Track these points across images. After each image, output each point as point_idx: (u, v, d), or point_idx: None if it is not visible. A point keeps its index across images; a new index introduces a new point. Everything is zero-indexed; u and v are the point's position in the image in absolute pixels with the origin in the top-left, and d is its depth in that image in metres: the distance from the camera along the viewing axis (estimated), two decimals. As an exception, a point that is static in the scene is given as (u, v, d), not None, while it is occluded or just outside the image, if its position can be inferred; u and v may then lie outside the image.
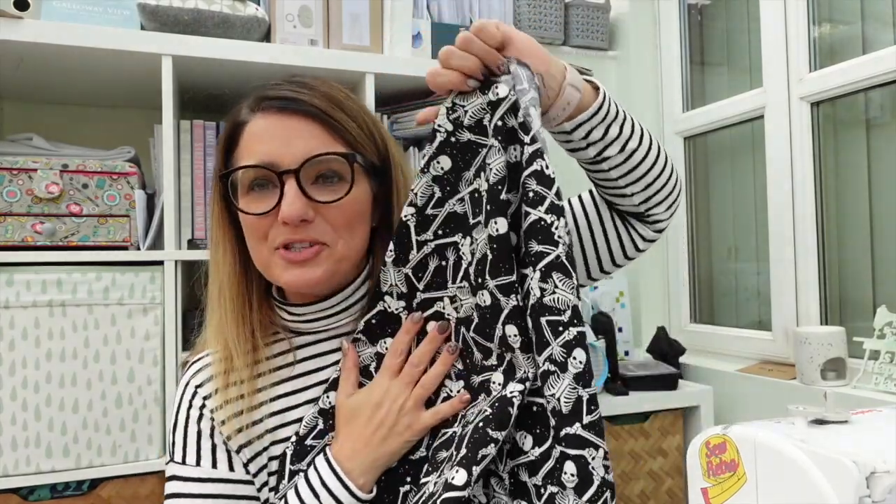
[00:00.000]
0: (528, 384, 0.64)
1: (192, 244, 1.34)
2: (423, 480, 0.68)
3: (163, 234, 1.28)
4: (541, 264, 0.61)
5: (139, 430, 1.24)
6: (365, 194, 0.75)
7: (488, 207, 0.64)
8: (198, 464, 0.73)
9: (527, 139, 0.62)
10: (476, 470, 0.62)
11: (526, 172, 0.62)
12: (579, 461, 0.59)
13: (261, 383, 0.75)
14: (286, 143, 0.70)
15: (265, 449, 0.74)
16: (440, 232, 0.70)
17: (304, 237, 0.70)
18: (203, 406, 0.75)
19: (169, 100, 1.28)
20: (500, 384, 0.67)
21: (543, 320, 0.61)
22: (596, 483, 0.59)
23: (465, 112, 0.67)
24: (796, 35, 1.68)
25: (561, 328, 0.60)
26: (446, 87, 0.68)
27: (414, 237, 0.71)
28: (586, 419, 0.59)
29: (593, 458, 0.59)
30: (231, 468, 0.73)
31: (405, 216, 0.71)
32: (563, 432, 0.60)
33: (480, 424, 0.64)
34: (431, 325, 0.73)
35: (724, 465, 0.55)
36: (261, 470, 0.74)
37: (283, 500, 0.71)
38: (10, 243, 1.21)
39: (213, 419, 0.74)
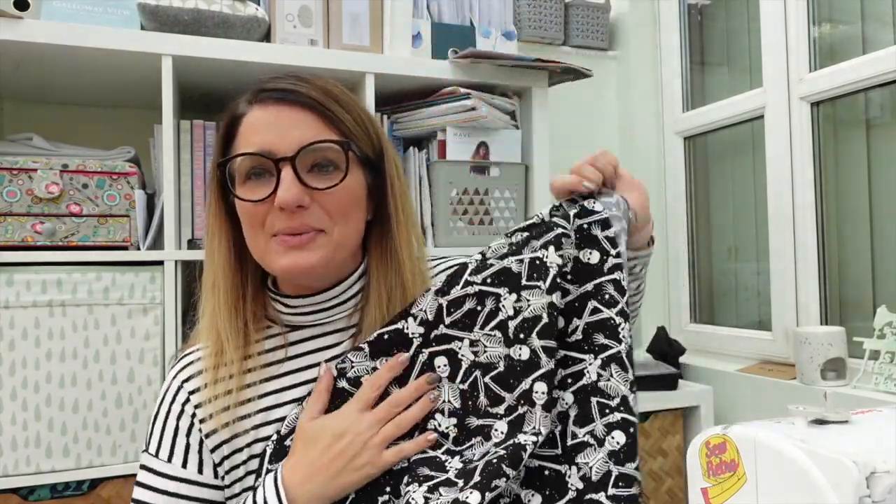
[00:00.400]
0: (539, 438, 0.68)
1: (192, 244, 1.34)
2: (403, 490, 0.69)
3: (163, 234, 1.28)
4: (603, 354, 0.71)
5: (139, 430, 1.24)
6: (359, 183, 0.76)
7: (558, 280, 0.72)
8: (169, 460, 0.74)
9: (613, 252, 0.74)
10: (488, 496, 0.64)
11: (606, 278, 0.73)
12: None
13: (250, 379, 0.75)
14: (282, 132, 0.71)
15: (248, 445, 0.74)
16: (489, 280, 0.75)
17: (300, 223, 0.71)
18: (186, 401, 0.76)
19: (169, 100, 1.28)
20: (502, 432, 0.70)
21: (594, 400, 0.70)
22: None
23: (562, 209, 0.76)
24: (796, 35, 1.68)
25: (608, 410, 0.69)
26: (566, 187, 0.76)
27: (466, 276, 0.75)
28: (611, 491, 0.67)
29: None
30: (200, 471, 0.74)
31: (471, 260, 0.77)
32: (587, 496, 0.67)
33: (494, 461, 0.67)
34: (439, 361, 0.75)
35: (724, 465, 0.55)
36: (237, 467, 0.74)
37: None
38: (10, 243, 1.21)
39: (193, 415, 0.75)
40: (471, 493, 0.65)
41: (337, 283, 0.77)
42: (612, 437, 0.68)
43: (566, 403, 0.70)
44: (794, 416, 0.57)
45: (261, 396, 0.75)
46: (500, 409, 0.71)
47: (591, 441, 0.69)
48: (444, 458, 0.71)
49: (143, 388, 1.24)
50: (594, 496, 0.67)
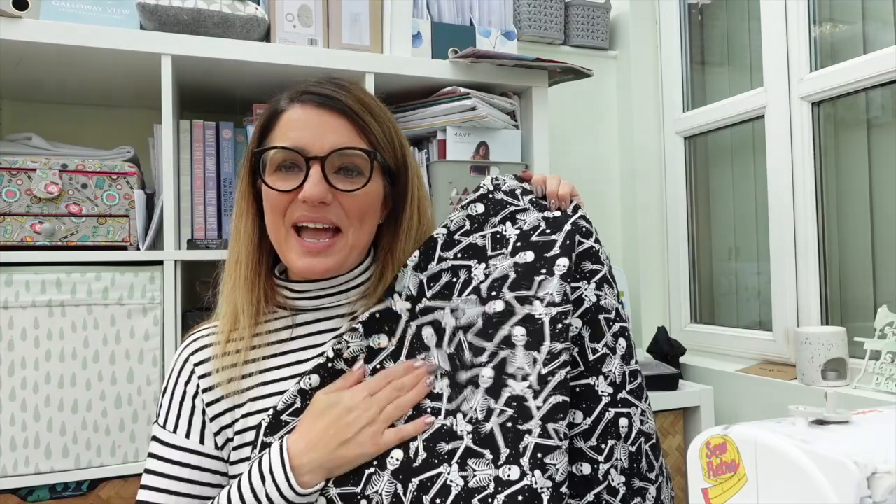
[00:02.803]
0: (530, 379, 0.74)
1: (192, 244, 1.34)
2: (431, 473, 0.72)
3: (162, 233, 1.27)
4: (595, 278, 0.82)
5: (138, 430, 1.24)
6: (378, 191, 0.83)
7: (518, 244, 0.83)
8: (174, 431, 0.79)
9: (571, 205, 0.87)
10: (524, 461, 0.70)
11: (574, 217, 0.84)
12: (629, 417, 0.79)
13: (254, 354, 0.81)
14: (318, 133, 0.78)
15: (244, 416, 0.79)
16: (459, 255, 0.84)
17: (319, 217, 0.78)
18: (192, 373, 0.81)
19: (168, 99, 1.28)
20: (489, 377, 0.76)
21: (601, 317, 0.81)
22: (634, 433, 0.79)
23: (505, 182, 0.89)
24: (797, 35, 1.67)
25: (611, 323, 0.81)
26: (564, 197, 0.87)
27: (438, 252, 0.84)
28: (629, 387, 0.81)
29: (634, 415, 0.80)
30: (201, 441, 0.79)
31: (437, 234, 0.84)
32: (619, 396, 0.79)
33: (509, 424, 0.72)
34: (426, 332, 0.81)
35: (724, 465, 0.55)
36: (234, 436, 0.79)
37: (241, 475, 0.75)
38: (9, 243, 1.21)
39: (197, 386, 0.80)
40: (509, 468, 0.70)
41: (342, 273, 0.83)
42: (619, 344, 0.81)
43: (576, 328, 0.79)
44: (795, 417, 0.56)
45: (262, 371, 0.81)
46: (484, 358, 0.78)
47: (607, 351, 0.80)
48: (448, 422, 0.75)
49: (142, 389, 1.24)
50: (621, 395, 0.80)
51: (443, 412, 0.76)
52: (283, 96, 0.83)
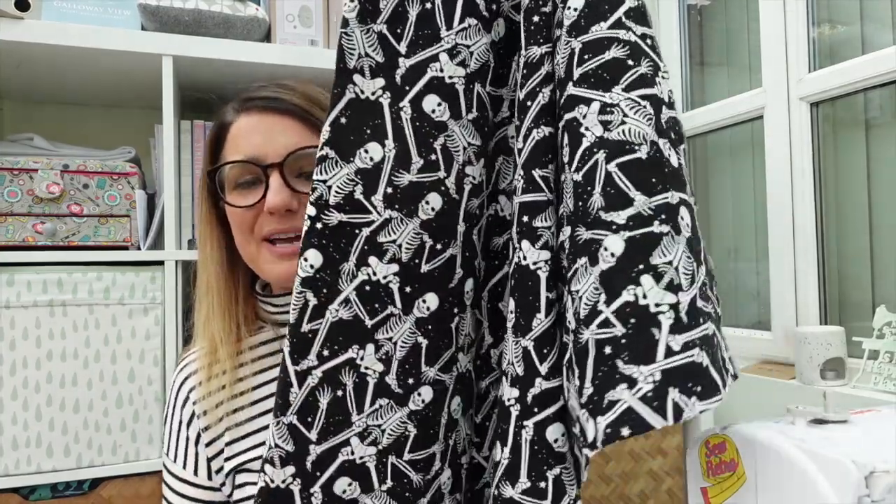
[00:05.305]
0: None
1: (193, 244, 1.34)
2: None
3: (163, 234, 1.28)
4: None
5: (140, 429, 1.24)
6: None
7: None
8: (184, 467, 0.77)
9: None
10: (513, 233, 0.55)
11: None
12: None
13: (242, 373, 0.77)
14: (269, 138, 0.73)
15: (247, 436, 0.75)
16: None
17: (288, 227, 0.73)
18: (187, 399, 0.78)
19: (169, 100, 1.28)
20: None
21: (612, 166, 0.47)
22: (580, 153, 0.52)
23: None
24: (796, 35, 1.68)
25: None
26: None
27: None
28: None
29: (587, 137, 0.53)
30: (196, 472, 0.77)
31: None
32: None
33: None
34: (428, 103, 0.54)
35: (723, 464, 0.55)
36: (237, 455, 0.75)
37: None
38: (10, 243, 1.21)
39: (193, 414, 0.77)
40: (521, 251, 0.55)
41: None
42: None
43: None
44: (794, 416, 0.57)
45: (254, 388, 0.77)
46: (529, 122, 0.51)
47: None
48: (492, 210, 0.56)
49: (143, 388, 1.24)
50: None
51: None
52: (227, 108, 0.78)
